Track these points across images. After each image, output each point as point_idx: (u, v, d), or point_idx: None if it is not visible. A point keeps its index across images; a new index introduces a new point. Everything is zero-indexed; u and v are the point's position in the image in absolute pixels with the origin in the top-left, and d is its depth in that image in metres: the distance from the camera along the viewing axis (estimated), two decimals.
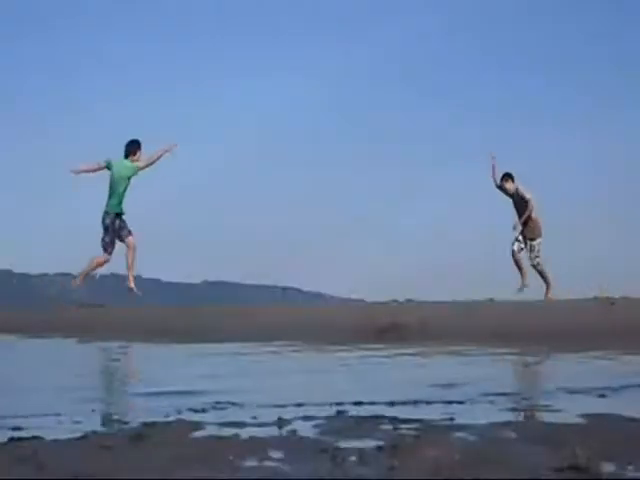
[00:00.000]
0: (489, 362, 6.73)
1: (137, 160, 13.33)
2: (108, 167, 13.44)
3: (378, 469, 2.34)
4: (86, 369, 6.85)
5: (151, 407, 3.80)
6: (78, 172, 13.65)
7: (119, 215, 13.26)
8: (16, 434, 3.00)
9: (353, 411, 3.54)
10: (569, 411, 3.45)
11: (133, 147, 13.39)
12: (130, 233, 13.25)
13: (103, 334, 11.79)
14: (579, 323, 9.74)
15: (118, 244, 13.34)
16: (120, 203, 13.31)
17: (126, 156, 13.41)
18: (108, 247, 13.31)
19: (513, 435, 2.81)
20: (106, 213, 13.26)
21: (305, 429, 3.06)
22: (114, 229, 13.23)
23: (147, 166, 13.43)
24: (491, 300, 12.55)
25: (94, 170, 13.62)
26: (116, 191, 13.28)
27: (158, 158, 13.40)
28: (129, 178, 13.31)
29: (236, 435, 2.90)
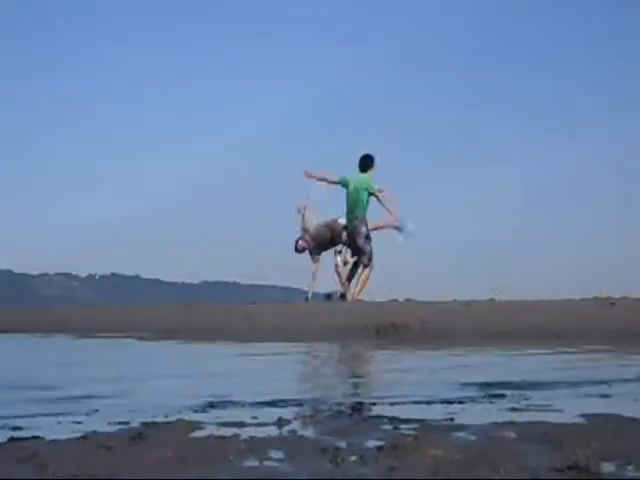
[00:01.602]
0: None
1: (372, 174, 13.50)
2: (343, 185, 13.59)
3: (378, 469, 2.34)
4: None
5: (152, 407, 3.79)
6: (311, 177, 13.66)
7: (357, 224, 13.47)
8: (16, 434, 3.00)
9: (353, 411, 3.54)
10: (569, 411, 3.45)
11: (369, 162, 13.57)
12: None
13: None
14: (579, 322, 9.74)
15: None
16: (365, 211, 13.51)
17: (363, 170, 13.51)
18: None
19: (513, 435, 2.81)
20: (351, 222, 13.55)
21: (305, 429, 3.06)
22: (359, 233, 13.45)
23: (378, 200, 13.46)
24: (491, 300, 12.56)
25: (329, 182, 13.76)
26: (359, 202, 13.45)
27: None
28: (367, 190, 13.43)
29: (236, 435, 2.90)
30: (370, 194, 13.41)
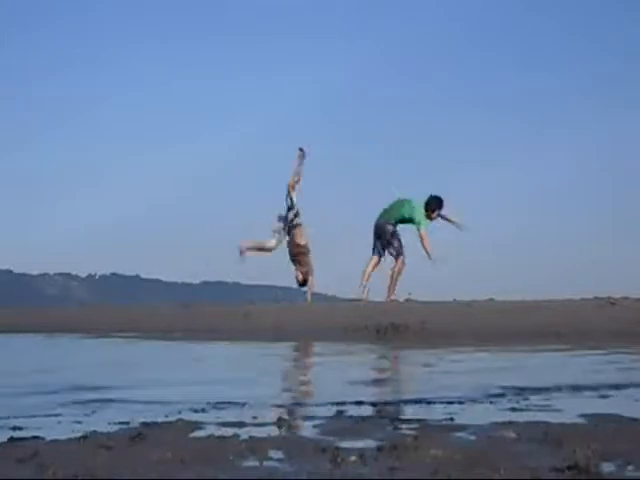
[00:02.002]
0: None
1: (432, 218, 13.49)
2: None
3: (378, 469, 2.34)
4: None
5: (152, 407, 3.79)
6: None
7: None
8: (16, 434, 3.00)
9: (353, 411, 3.54)
10: (569, 411, 3.44)
11: (430, 202, 13.52)
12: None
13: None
14: (580, 322, 9.74)
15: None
16: (395, 220, 13.57)
17: (426, 207, 13.52)
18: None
19: (513, 435, 2.81)
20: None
21: (305, 429, 3.06)
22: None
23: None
24: (491, 300, 12.56)
25: None
26: (396, 211, 13.59)
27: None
28: (410, 214, 13.44)
29: (236, 435, 2.90)
30: (409, 219, 13.47)
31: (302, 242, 14.03)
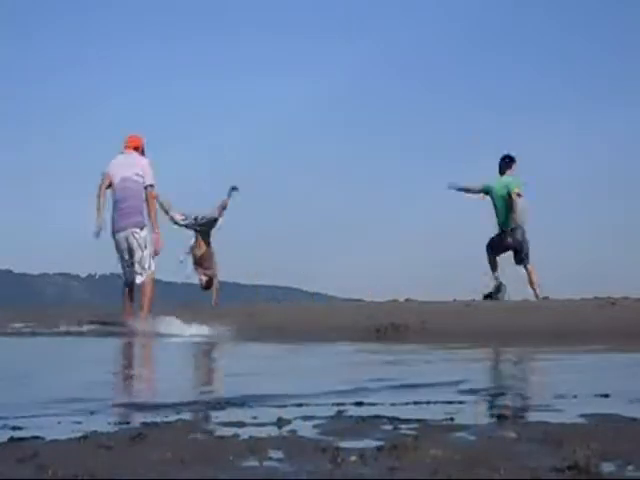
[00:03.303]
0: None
1: (512, 173, 13.30)
2: (487, 192, 13.39)
3: (378, 469, 2.34)
4: None
5: (152, 407, 3.79)
6: (458, 188, 13.62)
7: (513, 229, 13.25)
8: (16, 434, 3.00)
9: (353, 411, 3.54)
10: (569, 411, 3.44)
11: (509, 162, 13.37)
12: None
13: None
14: (580, 322, 9.75)
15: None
16: (506, 219, 13.27)
17: (502, 172, 13.34)
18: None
19: (513, 435, 2.81)
20: (503, 232, 13.29)
21: (305, 429, 3.06)
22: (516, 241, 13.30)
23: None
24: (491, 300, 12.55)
25: (474, 192, 13.56)
26: (500, 209, 13.30)
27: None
28: (509, 194, 13.16)
29: (236, 435, 2.90)
30: (510, 192, 13.23)
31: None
